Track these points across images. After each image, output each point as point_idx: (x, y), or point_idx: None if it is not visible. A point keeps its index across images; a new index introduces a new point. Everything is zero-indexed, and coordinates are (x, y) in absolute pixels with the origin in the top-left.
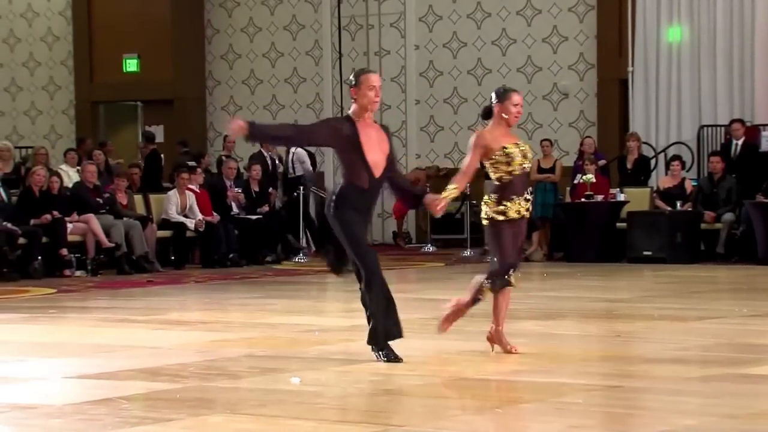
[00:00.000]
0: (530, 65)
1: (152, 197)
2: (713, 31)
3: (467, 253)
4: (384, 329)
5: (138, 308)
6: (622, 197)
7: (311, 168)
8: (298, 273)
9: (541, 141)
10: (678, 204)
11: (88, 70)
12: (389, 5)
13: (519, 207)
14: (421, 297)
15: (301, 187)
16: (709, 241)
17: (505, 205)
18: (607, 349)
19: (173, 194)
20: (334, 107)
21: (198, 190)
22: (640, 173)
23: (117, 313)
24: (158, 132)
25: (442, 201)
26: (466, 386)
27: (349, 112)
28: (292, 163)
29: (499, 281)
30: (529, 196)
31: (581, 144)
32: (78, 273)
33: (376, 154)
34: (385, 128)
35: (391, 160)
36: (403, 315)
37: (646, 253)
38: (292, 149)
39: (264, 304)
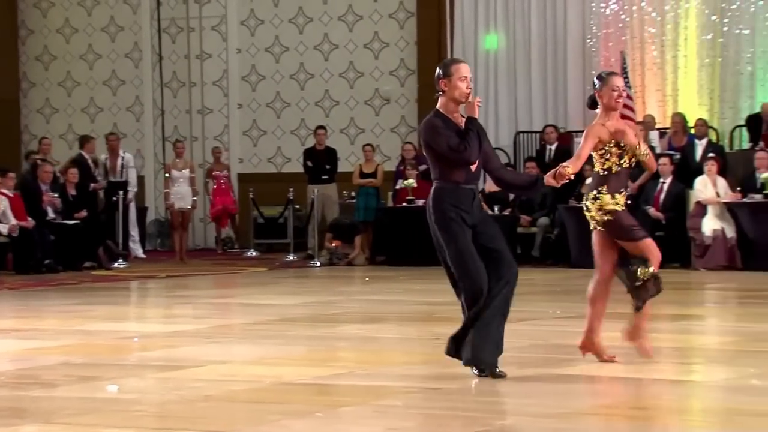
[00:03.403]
0: (352, 70)
1: None
2: (528, 39)
3: (291, 257)
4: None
5: None
6: None
7: (134, 175)
8: (118, 279)
9: (363, 146)
10: (497, 208)
11: None
12: (210, 8)
13: (620, 200)
14: (243, 302)
15: (121, 192)
16: (525, 244)
17: (615, 198)
18: (427, 352)
19: None
20: (154, 110)
21: (11, 195)
22: None
23: None
24: None
25: (565, 173)
26: (287, 390)
27: (437, 106)
28: (122, 168)
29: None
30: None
31: (402, 149)
32: None
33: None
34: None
35: (487, 155)
36: (226, 320)
37: None
38: (122, 153)
39: (82, 310)
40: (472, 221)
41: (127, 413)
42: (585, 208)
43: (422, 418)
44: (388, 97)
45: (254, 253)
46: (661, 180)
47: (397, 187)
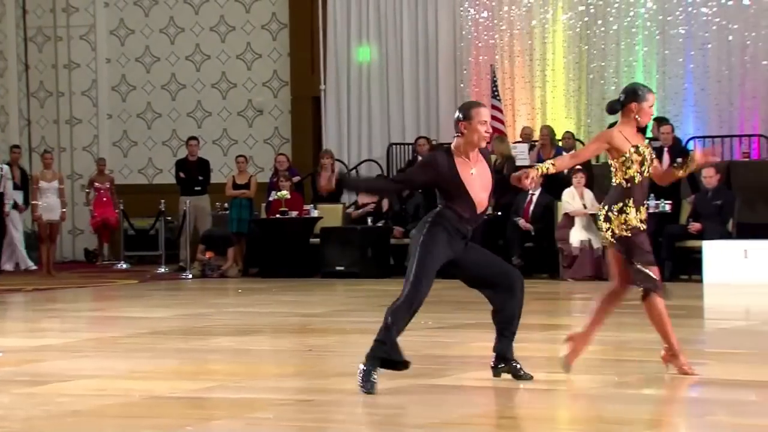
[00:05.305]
0: (225, 81)
1: None
2: (400, 52)
3: (162, 269)
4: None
5: None
6: (315, 213)
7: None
8: None
9: (237, 157)
10: (369, 220)
11: None
12: (78, 17)
13: (643, 216)
14: (113, 315)
15: None
16: (398, 256)
17: (640, 211)
18: (300, 364)
19: None
20: (21, 121)
21: None
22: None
23: None
24: None
25: (532, 172)
26: (158, 404)
27: (452, 145)
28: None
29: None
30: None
31: (276, 161)
32: None
33: (478, 192)
34: (488, 158)
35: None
36: (96, 334)
37: (339, 267)
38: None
39: None
40: (455, 254)
41: None
42: (605, 219)
43: (294, 431)
44: (261, 108)
45: (125, 266)
46: (531, 192)
47: (271, 198)
